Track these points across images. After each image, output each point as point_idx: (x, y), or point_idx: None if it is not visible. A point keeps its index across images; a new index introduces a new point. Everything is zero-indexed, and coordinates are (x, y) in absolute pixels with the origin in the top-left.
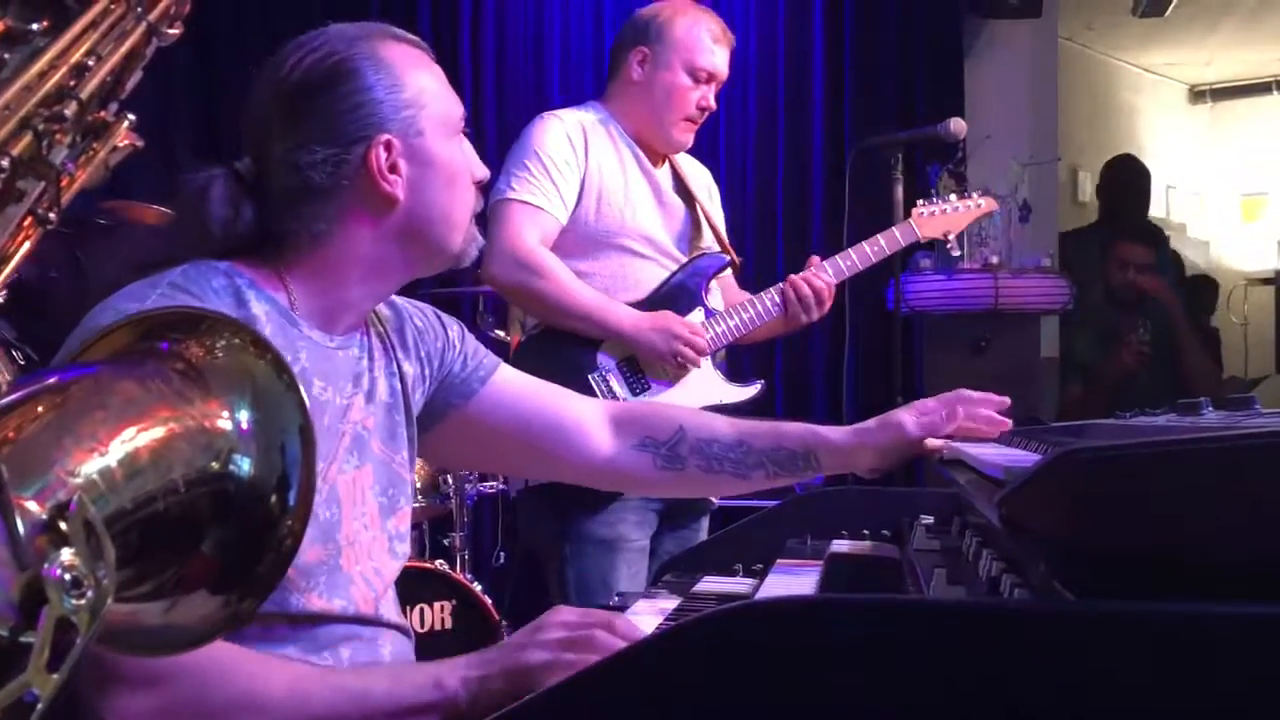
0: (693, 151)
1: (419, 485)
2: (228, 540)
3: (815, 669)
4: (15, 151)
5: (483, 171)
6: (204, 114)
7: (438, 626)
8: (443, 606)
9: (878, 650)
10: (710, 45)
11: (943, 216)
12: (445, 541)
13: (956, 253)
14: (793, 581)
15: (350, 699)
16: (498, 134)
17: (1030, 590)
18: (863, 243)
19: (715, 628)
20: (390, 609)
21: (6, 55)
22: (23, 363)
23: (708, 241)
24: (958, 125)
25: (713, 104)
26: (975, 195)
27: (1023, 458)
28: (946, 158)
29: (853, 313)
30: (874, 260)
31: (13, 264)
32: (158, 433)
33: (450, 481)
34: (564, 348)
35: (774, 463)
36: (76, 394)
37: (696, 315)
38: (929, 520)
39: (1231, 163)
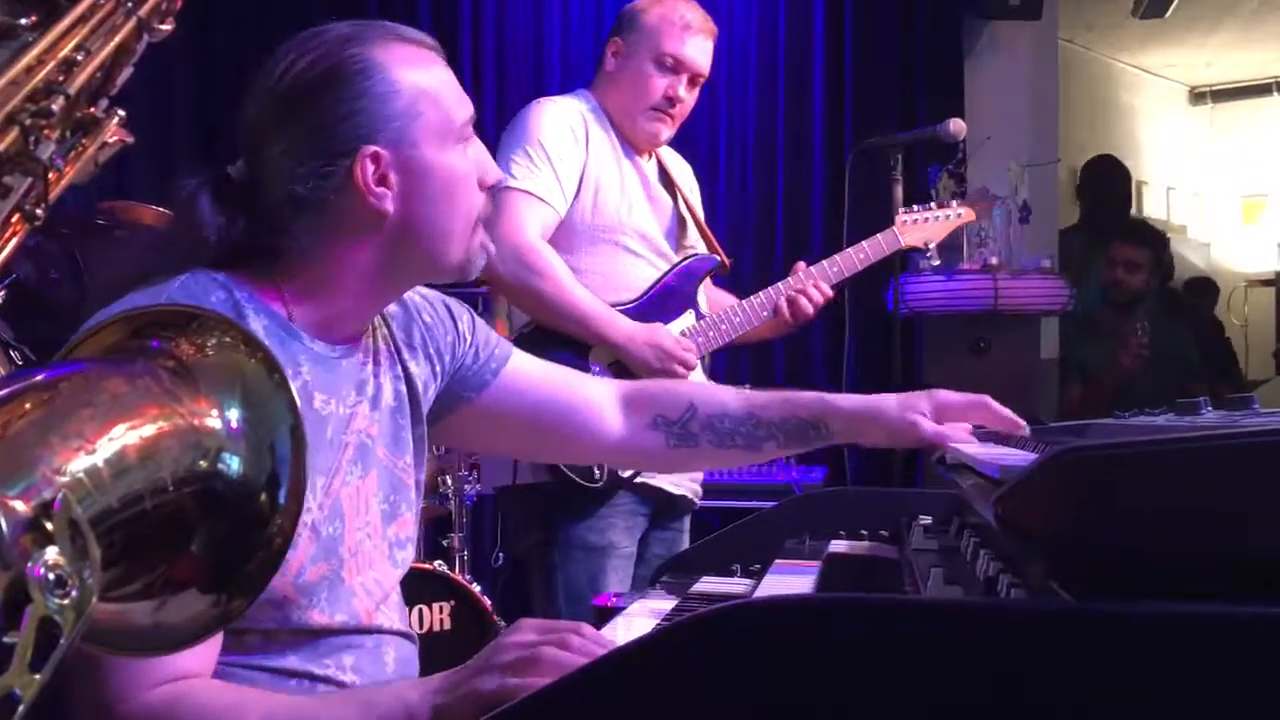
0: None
1: None
2: (217, 539)
3: (811, 669)
4: (1, 147)
5: (494, 176)
6: (203, 114)
7: (436, 627)
8: (441, 607)
9: (875, 650)
10: (679, 33)
11: (924, 225)
12: (444, 542)
13: (936, 262)
14: (791, 582)
15: None
16: (497, 135)
17: (1027, 590)
18: (849, 249)
19: (711, 627)
20: (391, 616)
21: None
22: (20, 363)
23: (693, 238)
24: (957, 126)
25: (683, 95)
26: (955, 204)
27: (1020, 457)
28: (946, 159)
29: (852, 314)
30: (859, 268)
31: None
32: (146, 431)
33: (449, 482)
34: (554, 349)
35: (784, 433)
36: (64, 391)
37: (688, 318)
38: (927, 520)
39: (1232, 164)
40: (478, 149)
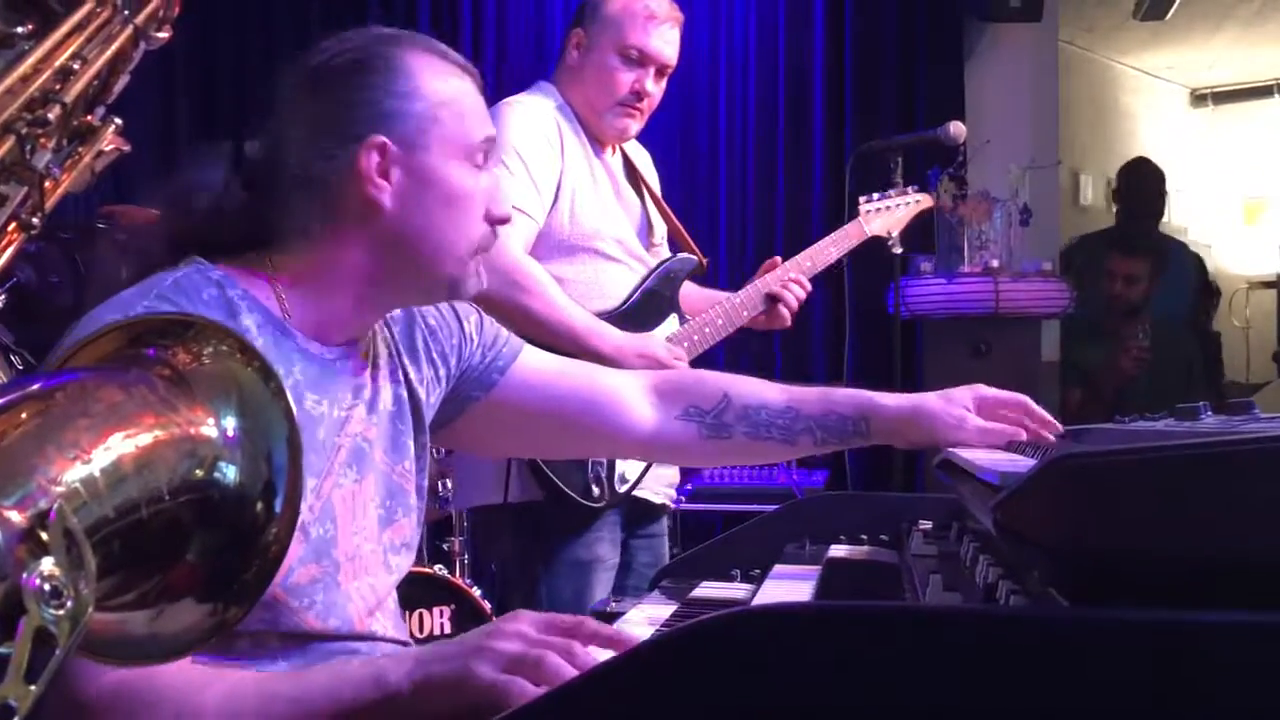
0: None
1: None
2: (213, 548)
3: (810, 675)
4: None
5: (501, 211)
6: (204, 119)
7: (436, 631)
8: (441, 611)
9: (873, 658)
10: (643, 23)
11: (886, 213)
12: (444, 546)
13: (898, 250)
14: (790, 587)
15: (287, 704)
16: None
17: (1026, 596)
18: (817, 243)
19: (710, 634)
20: (385, 623)
21: None
22: (21, 367)
23: (660, 234)
24: (958, 129)
25: (650, 89)
26: (911, 190)
27: (1019, 463)
28: (947, 161)
29: (853, 316)
30: (832, 260)
31: None
32: (142, 440)
33: (449, 486)
34: None
35: (822, 428)
36: (60, 401)
37: (672, 322)
38: (927, 525)
39: (1233, 166)
40: (493, 180)
